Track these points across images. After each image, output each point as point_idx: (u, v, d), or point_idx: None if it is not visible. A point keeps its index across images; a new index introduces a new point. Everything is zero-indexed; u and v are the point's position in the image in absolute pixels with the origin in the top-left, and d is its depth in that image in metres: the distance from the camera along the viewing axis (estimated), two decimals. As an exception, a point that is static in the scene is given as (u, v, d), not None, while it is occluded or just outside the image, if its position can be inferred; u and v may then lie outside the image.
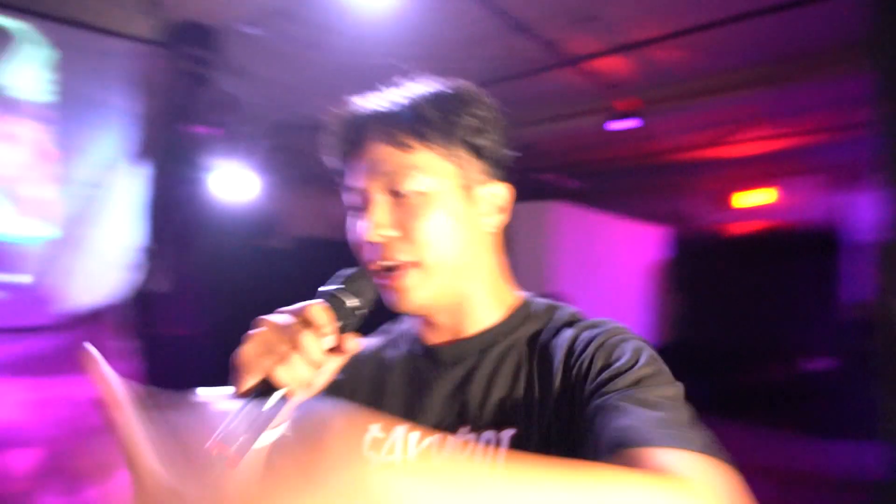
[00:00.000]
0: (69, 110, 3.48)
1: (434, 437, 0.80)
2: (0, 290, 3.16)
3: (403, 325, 0.93)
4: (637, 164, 7.46)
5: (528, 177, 7.07)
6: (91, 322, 3.66)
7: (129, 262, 3.73)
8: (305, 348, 0.66)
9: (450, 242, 0.80)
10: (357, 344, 0.74)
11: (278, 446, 0.73)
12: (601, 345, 0.76)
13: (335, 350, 0.72)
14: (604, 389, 0.70)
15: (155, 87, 3.74)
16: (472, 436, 0.79)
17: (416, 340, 0.89)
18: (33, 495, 3.21)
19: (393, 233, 0.79)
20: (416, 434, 0.82)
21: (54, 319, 3.42)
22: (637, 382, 0.69)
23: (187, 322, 4.02)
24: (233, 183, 4.28)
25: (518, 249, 6.63)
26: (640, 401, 0.66)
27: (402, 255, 0.79)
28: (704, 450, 0.62)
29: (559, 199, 6.79)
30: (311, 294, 0.73)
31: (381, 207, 0.80)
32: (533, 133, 6.43)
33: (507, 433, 0.77)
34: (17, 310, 3.25)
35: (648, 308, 8.10)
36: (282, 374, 0.65)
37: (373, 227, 0.79)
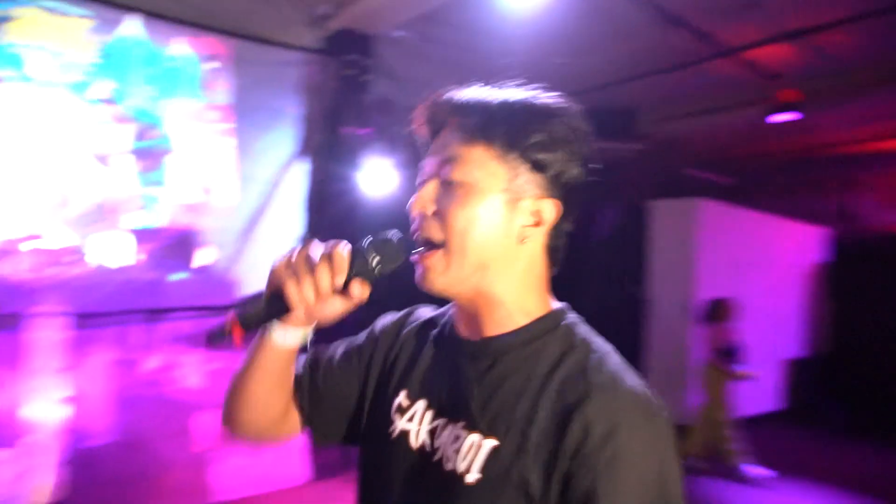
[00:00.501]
0: (245, 115, 3.90)
1: (441, 422, 0.86)
2: (190, 273, 3.64)
3: (452, 310, 0.96)
4: (796, 158, 6.89)
5: (676, 173, 6.79)
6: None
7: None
8: (316, 275, 0.78)
9: (476, 237, 0.82)
10: (362, 293, 0.82)
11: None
12: (605, 467, 0.73)
13: (343, 292, 0.81)
14: None
15: (317, 92, 4.07)
16: (463, 432, 0.83)
17: (452, 327, 0.93)
18: (218, 453, 3.67)
19: (430, 209, 0.85)
20: (430, 413, 0.88)
21: (232, 301, 3.87)
22: None
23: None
24: (382, 179, 4.54)
25: (661, 249, 6.42)
26: None
27: (433, 233, 0.84)
28: None
29: (708, 197, 6.44)
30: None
31: (430, 186, 0.85)
32: (680, 127, 6.17)
33: (489, 443, 0.80)
34: (202, 291, 3.71)
35: (803, 316, 7.46)
36: (290, 288, 0.78)
37: (417, 200, 0.86)
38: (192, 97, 3.80)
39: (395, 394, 0.92)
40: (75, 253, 3.42)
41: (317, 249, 0.80)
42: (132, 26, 3.55)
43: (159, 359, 3.57)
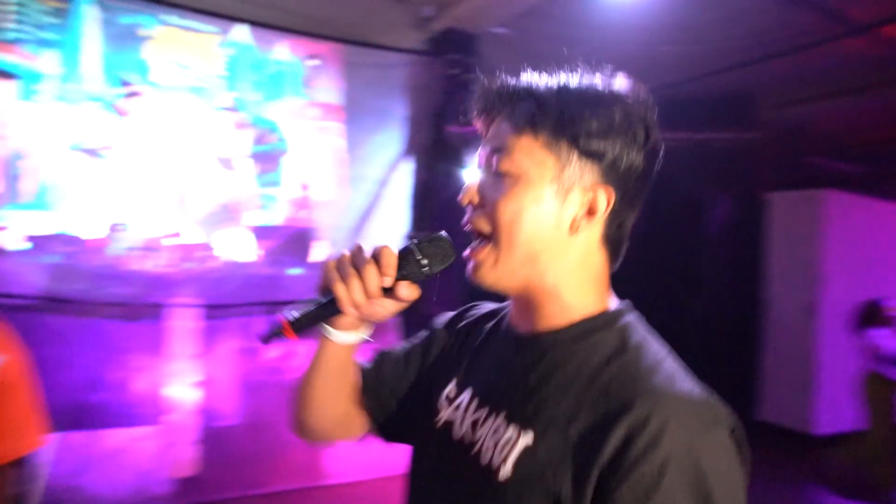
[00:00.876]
0: (354, 117, 4.08)
1: (484, 412, 0.83)
2: (306, 268, 3.87)
3: (510, 303, 0.93)
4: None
5: (799, 162, 6.31)
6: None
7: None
8: (364, 277, 0.77)
9: (525, 229, 0.79)
10: (411, 293, 0.80)
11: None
12: (646, 480, 0.66)
13: (391, 292, 0.80)
14: None
15: (423, 92, 4.17)
16: (503, 424, 0.80)
17: (508, 320, 0.90)
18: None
19: (478, 200, 0.82)
20: (476, 402, 0.85)
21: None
22: None
23: (443, 303, 4.45)
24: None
25: (782, 245, 6.01)
26: None
27: (481, 226, 0.81)
28: None
29: (834, 187, 5.94)
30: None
31: (480, 176, 0.83)
32: (804, 113, 5.73)
33: (526, 439, 0.76)
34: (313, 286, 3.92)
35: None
36: (339, 289, 0.78)
37: (466, 192, 0.83)
38: (296, 96, 4.01)
39: (445, 384, 0.92)
40: (206, 249, 3.74)
41: (362, 250, 0.80)
42: (241, 34, 3.82)
43: (279, 348, 3.82)
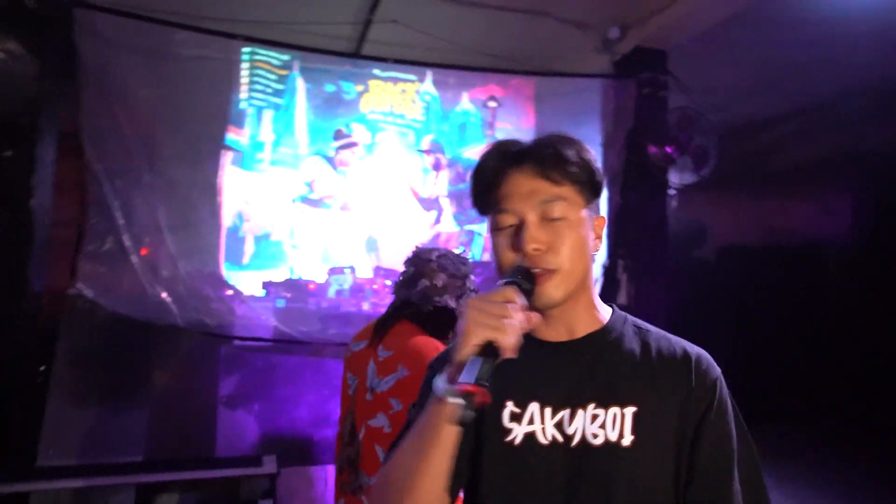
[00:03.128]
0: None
1: (566, 413, 0.99)
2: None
3: None
4: None
5: None
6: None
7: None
8: (513, 317, 0.85)
9: (580, 257, 1.00)
10: (539, 319, 0.95)
11: None
12: (723, 425, 1.00)
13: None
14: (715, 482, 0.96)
15: (617, 115, 4.04)
16: (600, 410, 0.98)
17: (531, 337, 1.00)
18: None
19: (543, 247, 0.97)
20: (549, 410, 1.00)
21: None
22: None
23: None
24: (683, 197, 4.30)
25: None
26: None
27: (547, 265, 0.97)
28: None
29: None
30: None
31: (536, 227, 0.98)
32: None
33: (630, 409, 0.97)
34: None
35: None
36: (500, 338, 0.84)
37: (530, 241, 0.97)
38: (479, 142, 4.07)
39: (501, 407, 1.01)
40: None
41: (493, 298, 0.88)
42: (429, 86, 3.97)
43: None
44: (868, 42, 4.06)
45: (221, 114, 3.60)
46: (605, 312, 1.08)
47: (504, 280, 0.93)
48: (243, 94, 3.61)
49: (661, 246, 3.99)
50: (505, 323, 0.85)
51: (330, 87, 3.79)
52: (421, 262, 1.81)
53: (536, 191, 0.98)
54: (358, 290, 3.77)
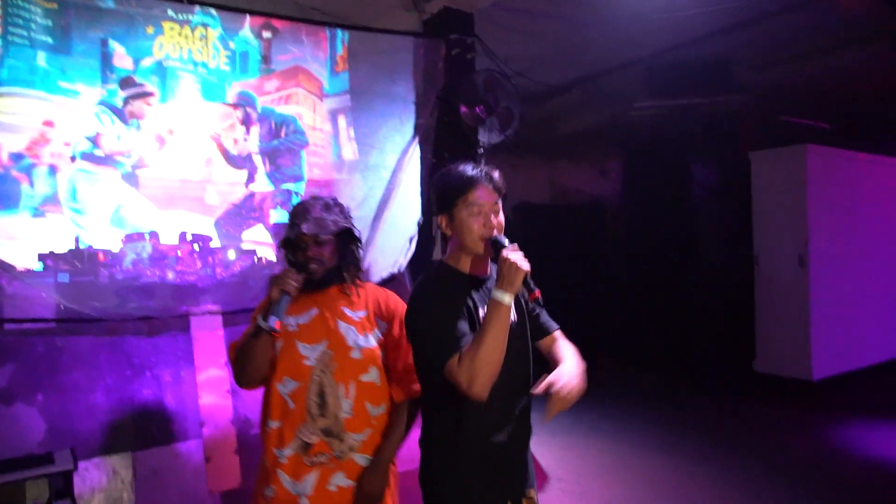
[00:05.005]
0: (363, 104, 3.97)
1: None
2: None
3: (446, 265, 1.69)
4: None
5: (777, 121, 6.52)
6: (388, 288, 4.19)
7: (413, 235, 4.18)
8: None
9: None
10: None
11: None
12: None
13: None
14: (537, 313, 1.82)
15: (427, 75, 4.10)
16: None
17: (464, 272, 1.67)
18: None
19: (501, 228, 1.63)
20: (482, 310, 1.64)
21: (367, 287, 3.98)
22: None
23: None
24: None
25: (769, 199, 6.19)
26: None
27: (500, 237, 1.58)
28: None
29: (814, 142, 6.15)
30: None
31: (498, 214, 1.62)
32: (783, 74, 5.91)
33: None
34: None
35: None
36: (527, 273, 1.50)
37: (498, 223, 1.61)
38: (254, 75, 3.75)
39: (477, 312, 1.60)
40: (226, 252, 3.59)
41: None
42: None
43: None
44: (647, 23, 4.60)
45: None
46: None
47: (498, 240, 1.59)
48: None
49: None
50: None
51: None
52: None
53: (492, 193, 1.63)
54: (160, 258, 3.40)
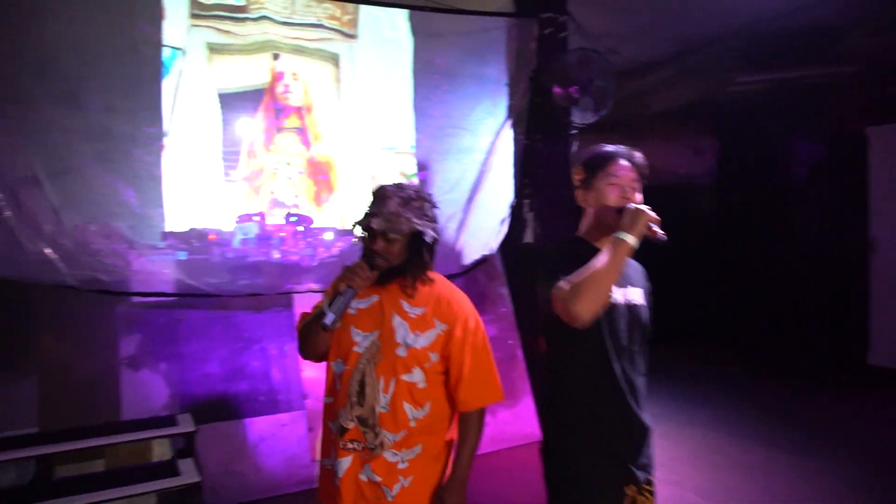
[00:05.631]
0: (454, 86, 4.01)
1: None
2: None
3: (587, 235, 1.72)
4: None
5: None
6: (479, 270, 4.25)
7: (506, 218, 4.20)
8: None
9: None
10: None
11: None
12: None
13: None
14: None
15: (520, 55, 4.08)
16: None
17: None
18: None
19: None
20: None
21: (458, 268, 4.05)
22: None
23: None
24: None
25: (886, 178, 5.73)
26: None
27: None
28: None
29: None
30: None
31: (636, 193, 1.66)
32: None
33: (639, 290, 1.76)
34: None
35: None
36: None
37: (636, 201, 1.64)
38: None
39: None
40: (326, 233, 3.76)
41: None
42: None
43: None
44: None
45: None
46: None
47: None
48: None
49: (565, 185, 4.12)
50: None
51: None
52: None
53: (633, 168, 1.68)
54: (266, 238, 3.60)
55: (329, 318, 1.60)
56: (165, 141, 3.37)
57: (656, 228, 1.52)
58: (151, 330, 3.44)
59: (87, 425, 3.11)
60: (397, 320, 1.72)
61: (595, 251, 1.59)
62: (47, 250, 3.03)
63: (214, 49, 3.52)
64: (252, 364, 3.59)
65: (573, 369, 1.64)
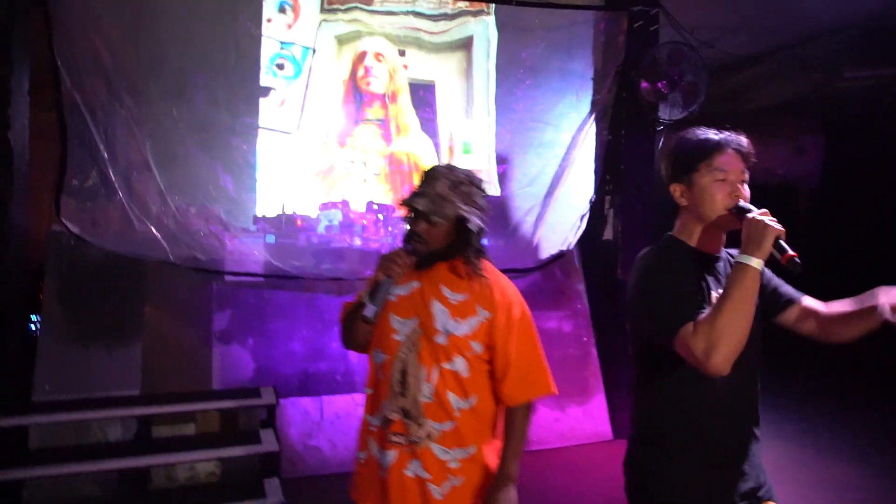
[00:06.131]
0: (539, 81, 4.00)
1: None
2: (503, 239, 3.90)
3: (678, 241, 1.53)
4: None
5: None
6: (556, 265, 4.23)
7: (585, 213, 4.15)
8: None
9: None
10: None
11: None
12: None
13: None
14: None
15: (608, 49, 4.01)
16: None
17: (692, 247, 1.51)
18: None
19: None
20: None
21: (535, 263, 4.05)
22: None
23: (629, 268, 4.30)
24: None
25: None
26: None
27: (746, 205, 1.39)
28: None
29: None
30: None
31: (744, 185, 1.44)
32: None
33: None
34: (510, 255, 3.94)
35: None
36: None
37: (744, 195, 1.42)
38: None
39: (709, 294, 1.44)
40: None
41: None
42: None
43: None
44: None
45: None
46: None
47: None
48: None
49: (647, 182, 4.04)
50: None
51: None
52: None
53: (739, 161, 1.47)
54: (349, 225, 3.76)
55: (370, 310, 1.55)
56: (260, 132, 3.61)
57: (787, 248, 1.27)
58: (242, 307, 3.69)
59: (182, 391, 3.40)
60: (437, 306, 1.63)
61: (696, 254, 1.47)
62: (153, 229, 3.32)
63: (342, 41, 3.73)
64: (332, 345, 3.76)
65: (669, 387, 1.46)
